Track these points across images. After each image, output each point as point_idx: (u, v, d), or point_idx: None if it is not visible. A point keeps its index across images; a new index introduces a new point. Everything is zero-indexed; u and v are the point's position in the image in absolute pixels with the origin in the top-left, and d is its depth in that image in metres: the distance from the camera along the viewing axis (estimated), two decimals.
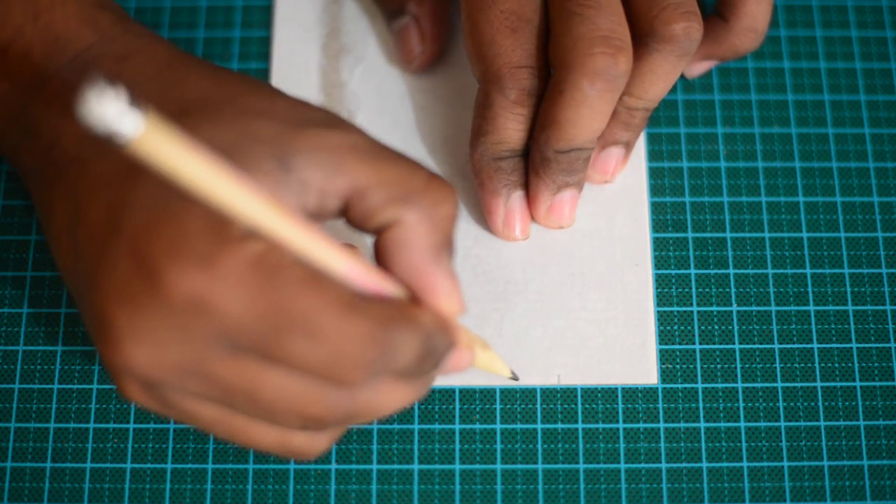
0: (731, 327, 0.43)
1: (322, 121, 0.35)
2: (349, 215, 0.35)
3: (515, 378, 0.42)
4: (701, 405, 0.42)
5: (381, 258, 0.35)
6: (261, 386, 0.33)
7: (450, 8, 0.47)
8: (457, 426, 0.42)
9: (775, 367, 0.43)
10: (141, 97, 0.35)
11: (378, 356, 0.32)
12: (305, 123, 0.34)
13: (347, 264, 0.33)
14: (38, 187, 0.38)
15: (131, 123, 0.25)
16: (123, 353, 0.32)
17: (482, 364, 0.40)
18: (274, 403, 0.33)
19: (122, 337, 0.32)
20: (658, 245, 0.45)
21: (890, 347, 0.43)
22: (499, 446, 0.42)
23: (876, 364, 0.43)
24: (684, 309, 0.44)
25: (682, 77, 0.48)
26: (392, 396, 0.35)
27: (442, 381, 0.42)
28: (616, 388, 0.42)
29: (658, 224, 0.45)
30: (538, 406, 0.42)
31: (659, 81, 0.41)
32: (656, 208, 0.45)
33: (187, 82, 0.36)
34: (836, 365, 0.43)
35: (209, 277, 0.31)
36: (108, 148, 0.32)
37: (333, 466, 0.41)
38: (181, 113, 0.35)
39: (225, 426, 0.35)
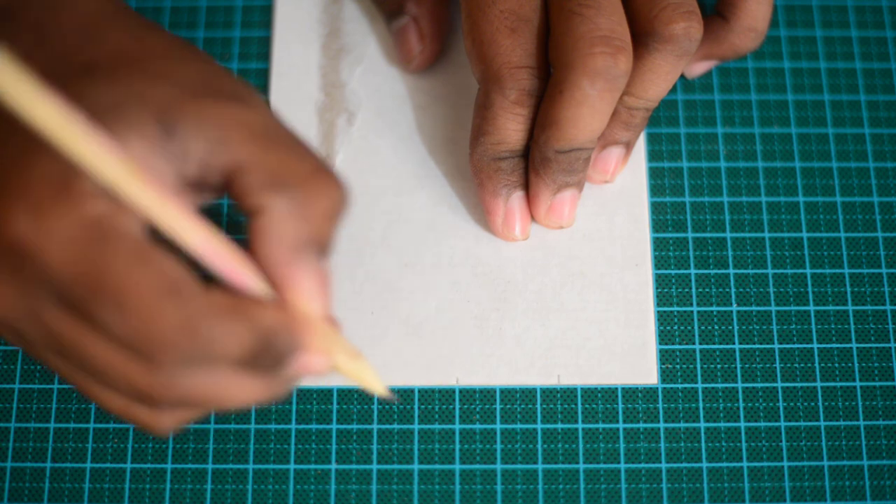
0: (731, 327, 0.43)
1: (226, 94, 0.35)
2: (230, 193, 0.34)
3: (393, 401, 0.41)
4: (701, 405, 0.42)
5: (249, 245, 0.34)
6: (87, 346, 0.33)
7: (449, 8, 0.47)
8: (457, 426, 0.42)
9: (775, 367, 0.43)
10: (53, 48, 0.35)
11: (189, 345, 0.32)
12: (205, 93, 0.34)
13: (202, 239, 0.32)
14: None
15: None
16: None
17: (350, 374, 0.37)
18: (101, 366, 0.33)
19: None
20: (658, 245, 0.45)
21: (890, 347, 0.43)
22: (499, 446, 0.42)
23: (876, 364, 0.43)
24: (684, 309, 0.44)
25: (682, 77, 0.48)
26: (236, 388, 0.35)
27: (441, 381, 0.42)
28: (616, 389, 0.42)
29: (658, 224, 0.45)
30: (538, 406, 0.42)
31: (659, 81, 0.41)
32: (656, 208, 0.45)
33: (106, 39, 0.36)
34: (836, 365, 0.43)
35: (37, 226, 0.31)
36: None
37: (333, 466, 0.41)
38: (87, 65, 0.35)
39: (77, 381, 0.35)
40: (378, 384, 0.38)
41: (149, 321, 0.31)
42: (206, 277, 0.33)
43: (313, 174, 0.34)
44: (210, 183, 0.34)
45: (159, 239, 0.33)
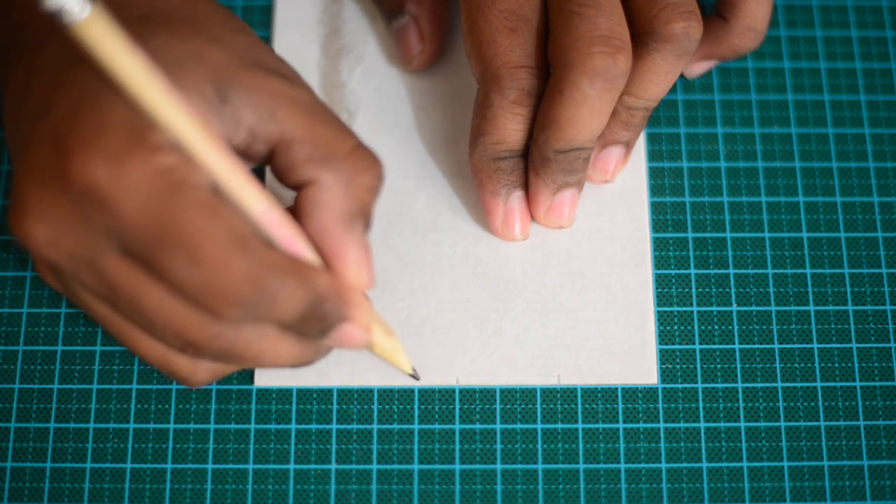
0: (731, 327, 0.43)
1: (273, 68, 0.36)
2: (273, 164, 0.36)
3: (416, 377, 0.42)
4: (701, 405, 0.42)
5: (298, 216, 0.35)
6: (143, 294, 0.34)
7: (449, 7, 0.47)
8: (457, 426, 0.42)
9: (775, 367, 0.43)
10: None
11: (253, 298, 0.33)
12: (256, 65, 0.35)
13: (264, 206, 0.33)
14: (2, 64, 0.38)
15: (77, 6, 0.28)
16: (25, 227, 0.33)
17: (382, 351, 0.40)
18: (153, 315, 0.34)
19: (26, 212, 0.33)
20: (658, 245, 0.45)
21: (890, 347, 0.43)
22: (499, 446, 0.42)
23: (876, 364, 0.43)
24: (684, 309, 0.44)
25: (682, 77, 0.48)
26: (276, 348, 0.36)
27: (441, 381, 0.42)
28: (616, 389, 0.42)
29: (658, 224, 0.45)
30: (538, 406, 0.42)
31: (659, 81, 0.41)
32: (656, 208, 0.45)
33: None
34: (836, 365, 0.43)
35: (113, 173, 0.32)
36: (64, 35, 0.33)
37: (333, 466, 0.41)
38: (143, 18, 0.35)
39: (115, 327, 0.36)
40: (407, 363, 0.41)
41: (218, 271, 0.32)
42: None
43: (356, 150, 0.36)
44: (254, 152, 0.35)
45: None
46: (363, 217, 0.36)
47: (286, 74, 0.36)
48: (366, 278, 0.36)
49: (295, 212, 0.36)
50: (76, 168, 0.32)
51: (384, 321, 0.40)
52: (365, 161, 0.36)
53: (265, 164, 0.36)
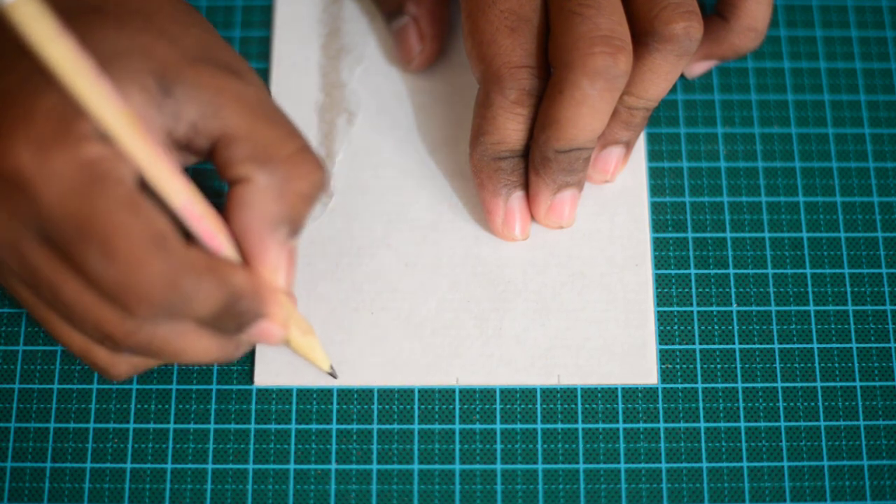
0: (731, 327, 0.43)
1: (224, 64, 0.36)
2: (214, 160, 0.35)
3: (334, 375, 0.42)
4: (701, 405, 0.42)
5: (226, 212, 0.35)
6: (61, 284, 0.33)
7: (449, 8, 0.47)
8: (457, 426, 0.42)
9: (775, 367, 0.43)
10: None
11: (167, 298, 0.33)
12: (205, 60, 0.35)
13: (186, 199, 0.33)
14: None
15: None
16: None
17: (300, 348, 0.40)
18: (72, 306, 0.34)
19: None
20: (658, 245, 0.45)
21: (890, 347, 0.43)
22: (499, 446, 0.42)
23: (876, 364, 0.43)
24: (684, 309, 0.44)
25: (682, 77, 0.48)
26: (195, 344, 0.36)
27: (441, 381, 0.42)
28: (616, 389, 0.42)
29: (658, 224, 0.45)
30: (538, 406, 0.42)
31: (659, 81, 0.41)
32: (656, 208, 0.45)
33: None
34: (836, 365, 0.43)
35: (36, 160, 0.32)
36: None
37: (333, 466, 0.41)
38: (96, 9, 0.35)
39: (40, 314, 0.36)
40: (324, 361, 0.41)
41: (132, 270, 0.32)
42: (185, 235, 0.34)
43: (297, 154, 0.35)
44: (196, 147, 0.35)
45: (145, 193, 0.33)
46: (291, 222, 0.35)
47: (237, 70, 0.36)
48: (281, 282, 0.36)
49: (225, 208, 0.36)
50: (2, 152, 0.32)
51: (304, 319, 0.40)
52: (304, 167, 0.35)
53: (208, 159, 0.36)
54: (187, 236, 0.34)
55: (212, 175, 0.44)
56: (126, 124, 0.31)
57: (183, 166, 0.36)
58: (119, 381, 0.39)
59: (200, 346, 0.36)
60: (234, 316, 0.35)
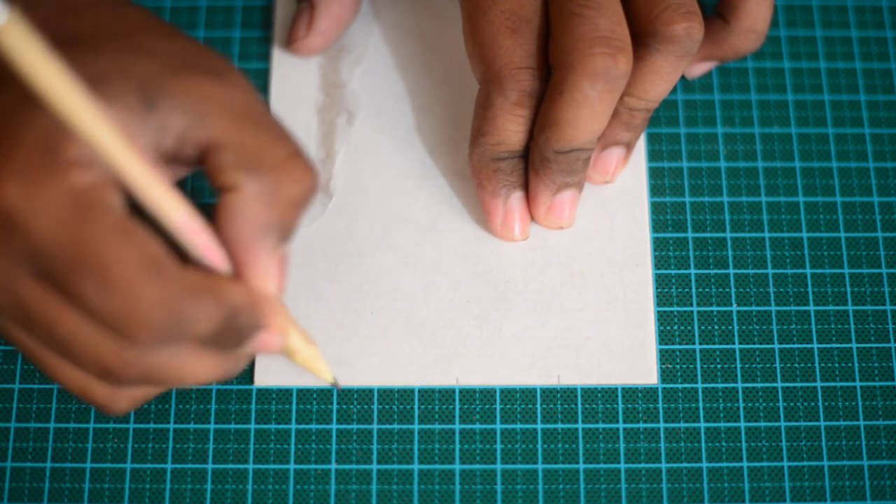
0: (731, 327, 0.43)
1: (208, 70, 0.35)
2: (204, 169, 0.35)
3: (337, 386, 0.42)
4: (701, 405, 0.42)
5: (215, 220, 0.35)
6: (58, 320, 0.33)
7: (349, 10, 0.47)
8: (457, 426, 0.42)
9: (775, 367, 0.43)
10: (35, 19, 0.36)
11: (169, 322, 0.32)
12: (187, 69, 0.34)
13: (183, 215, 0.33)
14: None
15: None
16: None
17: (301, 360, 0.39)
18: (69, 342, 0.33)
19: None
20: (658, 245, 0.45)
21: (890, 347, 0.43)
22: (499, 446, 0.42)
23: (876, 364, 0.43)
24: (684, 309, 0.44)
25: (682, 77, 0.48)
26: (196, 366, 0.35)
27: (441, 381, 0.42)
28: (616, 388, 0.42)
29: (658, 224, 0.45)
30: (538, 406, 0.42)
31: (660, 82, 0.41)
32: (656, 208, 0.45)
33: (87, 13, 0.36)
34: (836, 365, 0.43)
35: (24, 193, 0.31)
36: None
37: (333, 466, 0.41)
38: (69, 40, 0.35)
39: (35, 355, 0.35)
40: (326, 371, 0.40)
41: (130, 298, 0.31)
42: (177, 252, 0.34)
43: (287, 159, 0.34)
44: (185, 157, 0.34)
45: (135, 215, 0.33)
46: (281, 229, 0.35)
47: (222, 74, 0.35)
48: (272, 289, 0.35)
49: (214, 216, 0.35)
50: None
51: (304, 330, 0.39)
52: (294, 172, 0.34)
53: (198, 167, 0.35)
54: (180, 256, 0.34)
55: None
56: (116, 141, 0.31)
57: (175, 180, 0.35)
58: (119, 416, 0.38)
59: (201, 367, 0.35)
60: (234, 331, 0.34)
